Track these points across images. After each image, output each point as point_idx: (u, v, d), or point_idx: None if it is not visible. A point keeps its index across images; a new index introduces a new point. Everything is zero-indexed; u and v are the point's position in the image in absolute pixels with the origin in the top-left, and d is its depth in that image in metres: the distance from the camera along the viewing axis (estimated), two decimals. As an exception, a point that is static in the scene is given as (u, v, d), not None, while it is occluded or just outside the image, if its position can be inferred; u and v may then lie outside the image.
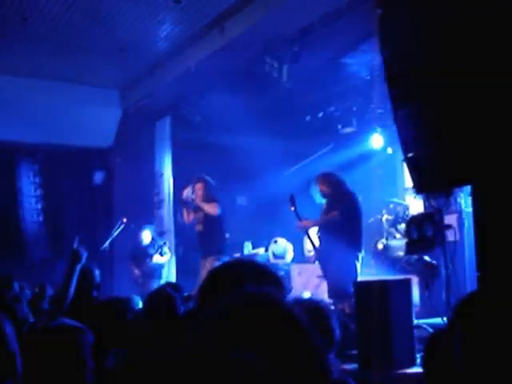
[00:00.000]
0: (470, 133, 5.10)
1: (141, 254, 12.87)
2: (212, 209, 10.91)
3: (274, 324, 1.46)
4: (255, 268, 2.39)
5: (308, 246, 11.98)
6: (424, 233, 7.32)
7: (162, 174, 14.22)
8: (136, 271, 12.84)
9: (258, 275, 2.30)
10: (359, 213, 9.74)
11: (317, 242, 9.79)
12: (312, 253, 11.01)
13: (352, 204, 9.67)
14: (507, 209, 5.10)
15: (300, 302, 4.08)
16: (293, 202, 9.93)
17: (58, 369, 3.55)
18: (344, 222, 9.38)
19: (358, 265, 9.41)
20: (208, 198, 11.00)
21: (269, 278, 2.33)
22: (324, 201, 9.97)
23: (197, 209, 11.09)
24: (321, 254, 9.79)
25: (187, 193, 11.15)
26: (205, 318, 1.50)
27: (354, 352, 6.74)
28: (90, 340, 3.78)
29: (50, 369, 3.53)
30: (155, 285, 12.72)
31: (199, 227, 11.03)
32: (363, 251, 9.66)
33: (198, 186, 11.04)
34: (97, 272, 7.86)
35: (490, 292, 2.68)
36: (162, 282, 12.91)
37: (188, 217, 11.24)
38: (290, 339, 1.45)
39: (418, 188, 5.91)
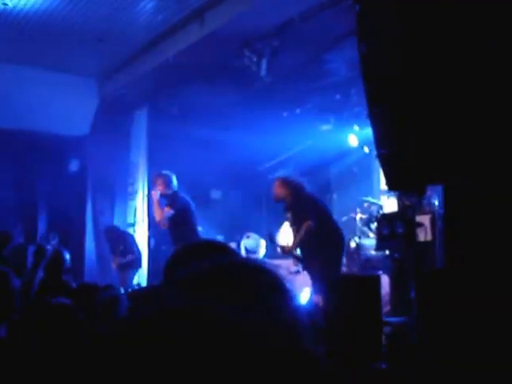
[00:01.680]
0: (442, 132, 5.11)
1: (113, 250, 12.94)
2: (162, 215, 10.83)
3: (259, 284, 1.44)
4: (221, 246, 2.39)
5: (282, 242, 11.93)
6: (394, 229, 7.34)
7: (137, 165, 14.17)
8: (113, 264, 12.86)
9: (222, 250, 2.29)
10: (325, 214, 9.74)
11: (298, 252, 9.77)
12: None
13: (318, 210, 9.63)
14: (476, 209, 5.12)
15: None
16: (272, 239, 9.92)
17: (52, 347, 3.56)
18: (317, 225, 9.38)
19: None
20: (167, 195, 10.91)
21: (232, 254, 2.32)
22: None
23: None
24: (306, 262, 9.71)
25: (155, 194, 11.05)
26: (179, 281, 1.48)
27: (321, 348, 6.74)
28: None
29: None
30: (132, 275, 12.76)
31: (166, 224, 10.97)
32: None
33: (158, 181, 10.99)
34: (67, 256, 7.85)
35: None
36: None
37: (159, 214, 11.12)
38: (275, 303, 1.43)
39: (390, 185, 5.94)
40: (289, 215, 9.73)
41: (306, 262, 9.49)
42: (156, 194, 10.85)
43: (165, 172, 11.00)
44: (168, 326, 1.21)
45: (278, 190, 9.68)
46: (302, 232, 9.30)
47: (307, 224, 9.24)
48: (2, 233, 8.17)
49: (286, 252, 9.76)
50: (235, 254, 2.39)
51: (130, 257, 12.68)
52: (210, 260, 1.54)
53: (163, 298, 1.43)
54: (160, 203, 10.84)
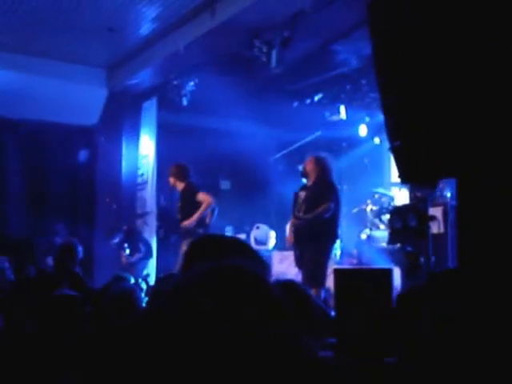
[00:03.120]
0: (455, 124, 5.05)
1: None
2: (207, 199, 10.73)
3: (246, 293, 1.41)
4: (237, 243, 2.35)
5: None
6: (407, 223, 7.29)
7: (146, 156, 14.15)
8: (123, 258, 12.88)
9: (239, 249, 2.25)
10: (340, 206, 9.70)
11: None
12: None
13: (338, 198, 9.61)
14: (491, 202, 5.06)
15: (279, 281, 4.02)
16: None
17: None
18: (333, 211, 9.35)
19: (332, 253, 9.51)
20: (180, 189, 10.87)
21: (250, 254, 2.28)
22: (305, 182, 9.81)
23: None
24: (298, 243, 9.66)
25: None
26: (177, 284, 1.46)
27: (330, 340, 6.70)
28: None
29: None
30: (143, 266, 12.77)
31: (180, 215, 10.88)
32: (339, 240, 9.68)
33: (170, 178, 10.98)
34: (79, 248, 7.85)
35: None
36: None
37: None
38: (261, 310, 1.40)
39: (403, 178, 5.87)
40: (303, 193, 9.62)
41: (305, 244, 9.41)
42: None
43: (178, 163, 10.98)
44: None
45: (309, 166, 9.70)
46: (321, 209, 9.23)
47: (328, 205, 9.20)
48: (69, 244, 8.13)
49: (295, 223, 9.59)
50: (249, 251, 2.34)
51: (137, 255, 12.70)
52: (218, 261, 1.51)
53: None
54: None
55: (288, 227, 9.92)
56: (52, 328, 3.64)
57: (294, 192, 9.84)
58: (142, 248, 12.82)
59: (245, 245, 2.40)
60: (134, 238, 12.95)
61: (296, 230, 9.49)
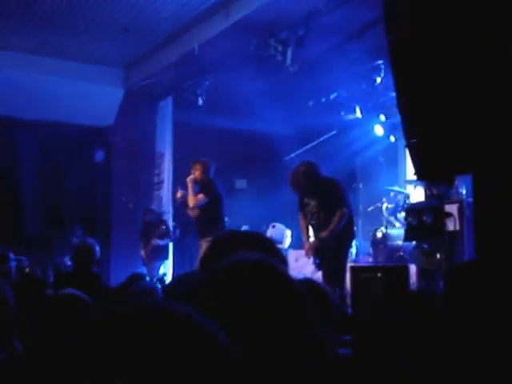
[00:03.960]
0: (471, 121, 5.06)
1: (146, 234, 12.98)
2: (196, 201, 10.69)
3: (266, 288, 1.42)
4: (259, 238, 2.36)
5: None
6: (423, 220, 7.29)
7: (162, 155, 14.18)
8: (142, 252, 12.93)
9: (260, 244, 2.27)
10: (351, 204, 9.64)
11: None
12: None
13: (348, 199, 9.53)
14: (507, 198, 5.07)
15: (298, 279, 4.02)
16: None
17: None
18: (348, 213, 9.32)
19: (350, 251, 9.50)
20: (203, 182, 10.81)
21: (271, 248, 2.30)
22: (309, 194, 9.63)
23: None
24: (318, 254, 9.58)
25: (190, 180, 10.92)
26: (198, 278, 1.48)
27: (347, 337, 6.71)
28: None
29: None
30: (159, 265, 12.83)
31: (196, 212, 10.85)
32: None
33: (196, 167, 10.86)
34: (97, 248, 7.85)
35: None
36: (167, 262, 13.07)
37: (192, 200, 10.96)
38: (282, 304, 1.41)
39: (420, 175, 5.88)
40: (312, 201, 9.48)
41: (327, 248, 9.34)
42: (190, 180, 10.77)
43: (204, 159, 10.93)
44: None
45: (299, 177, 9.38)
46: (336, 220, 9.10)
47: (342, 212, 9.11)
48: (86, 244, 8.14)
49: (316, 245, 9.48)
50: (270, 246, 2.36)
51: (166, 240, 12.78)
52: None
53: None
54: (193, 190, 10.75)
55: (304, 236, 9.77)
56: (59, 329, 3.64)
57: (299, 199, 9.67)
58: (171, 234, 12.92)
59: (267, 240, 2.41)
60: (168, 224, 13.05)
61: (321, 245, 9.37)
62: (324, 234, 9.12)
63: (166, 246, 12.91)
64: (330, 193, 9.24)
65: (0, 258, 7.88)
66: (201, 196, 10.59)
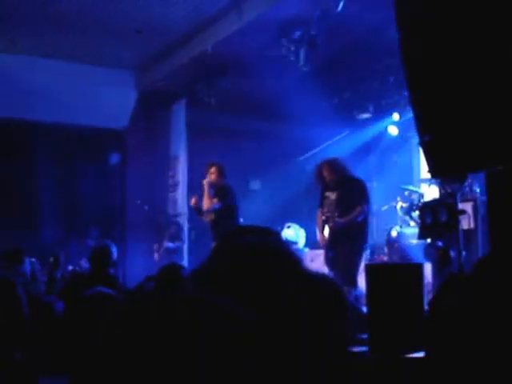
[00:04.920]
0: (484, 117, 5.05)
1: (158, 237, 13.02)
2: (211, 204, 10.69)
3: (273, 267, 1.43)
4: (269, 232, 2.37)
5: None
6: (438, 218, 7.28)
7: (176, 157, 14.21)
8: (156, 255, 12.95)
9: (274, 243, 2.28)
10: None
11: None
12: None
13: (370, 198, 9.58)
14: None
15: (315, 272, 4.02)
16: None
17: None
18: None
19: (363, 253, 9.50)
20: (218, 186, 10.82)
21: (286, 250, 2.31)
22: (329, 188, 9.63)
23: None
24: (332, 244, 9.62)
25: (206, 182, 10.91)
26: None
27: (363, 336, 6.71)
28: None
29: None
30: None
31: (211, 216, 10.86)
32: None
33: (212, 169, 10.87)
34: (114, 249, 7.87)
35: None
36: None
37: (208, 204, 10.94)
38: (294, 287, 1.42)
39: (433, 172, 5.87)
40: (333, 194, 9.52)
41: (341, 245, 9.37)
42: (207, 182, 10.77)
43: (218, 161, 10.95)
44: None
45: (325, 169, 9.53)
46: (356, 213, 9.21)
47: (362, 207, 9.20)
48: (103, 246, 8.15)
49: (331, 226, 9.52)
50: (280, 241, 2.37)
51: (178, 243, 12.76)
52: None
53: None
54: (209, 193, 10.75)
55: (319, 228, 9.86)
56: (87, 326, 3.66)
57: (320, 193, 9.76)
58: (183, 238, 12.92)
59: (276, 234, 2.42)
60: (180, 226, 13.04)
61: (332, 232, 9.44)
62: (339, 219, 9.22)
63: (178, 249, 12.89)
64: (352, 189, 9.35)
65: (16, 258, 7.91)
66: (215, 200, 10.62)
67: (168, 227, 12.91)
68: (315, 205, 9.96)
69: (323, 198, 9.64)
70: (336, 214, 9.38)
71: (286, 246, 2.21)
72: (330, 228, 9.43)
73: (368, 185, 9.81)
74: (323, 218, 9.61)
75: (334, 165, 9.54)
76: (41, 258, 9.51)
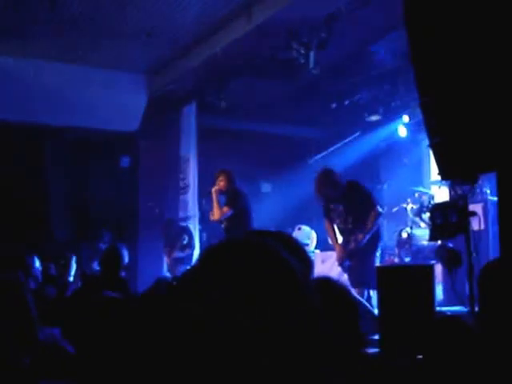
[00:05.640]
0: (494, 119, 5.07)
1: (168, 245, 13.03)
2: (221, 214, 10.71)
3: (260, 269, 1.44)
4: (281, 236, 2.39)
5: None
6: (448, 219, 7.28)
7: (187, 160, 14.24)
8: (167, 259, 12.97)
9: (285, 244, 2.30)
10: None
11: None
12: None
13: (374, 194, 9.58)
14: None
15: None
16: None
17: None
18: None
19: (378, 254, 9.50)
20: (228, 192, 10.83)
21: (293, 246, 2.33)
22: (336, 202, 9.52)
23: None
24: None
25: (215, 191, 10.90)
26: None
27: (374, 337, 6.74)
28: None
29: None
30: (184, 270, 12.85)
31: (224, 223, 10.86)
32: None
33: (221, 177, 10.88)
34: (125, 253, 7.89)
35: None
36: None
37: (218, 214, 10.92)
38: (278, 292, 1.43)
39: (443, 174, 5.89)
40: (339, 206, 9.51)
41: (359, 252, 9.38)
42: (216, 191, 10.77)
43: (227, 168, 10.95)
44: None
45: (329, 188, 9.42)
46: (372, 219, 9.17)
47: (375, 211, 9.20)
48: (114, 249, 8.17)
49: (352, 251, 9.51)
50: (293, 245, 2.40)
51: (188, 251, 12.78)
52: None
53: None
54: (219, 201, 10.75)
55: (332, 240, 9.83)
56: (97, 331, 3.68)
57: (323, 206, 9.73)
58: (194, 245, 12.94)
59: (289, 238, 2.43)
60: (190, 235, 13.05)
61: (356, 249, 9.40)
62: (360, 236, 9.19)
63: (189, 256, 12.91)
64: (356, 196, 9.30)
65: (22, 262, 7.88)
66: (225, 209, 10.62)
67: (180, 237, 12.90)
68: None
69: (328, 209, 9.61)
70: (350, 226, 9.35)
71: (290, 252, 2.23)
72: (352, 249, 9.35)
73: (378, 187, 9.81)
74: (336, 228, 9.61)
75: (331, 180, 9.41)
76: (55, 263, 9.57)
